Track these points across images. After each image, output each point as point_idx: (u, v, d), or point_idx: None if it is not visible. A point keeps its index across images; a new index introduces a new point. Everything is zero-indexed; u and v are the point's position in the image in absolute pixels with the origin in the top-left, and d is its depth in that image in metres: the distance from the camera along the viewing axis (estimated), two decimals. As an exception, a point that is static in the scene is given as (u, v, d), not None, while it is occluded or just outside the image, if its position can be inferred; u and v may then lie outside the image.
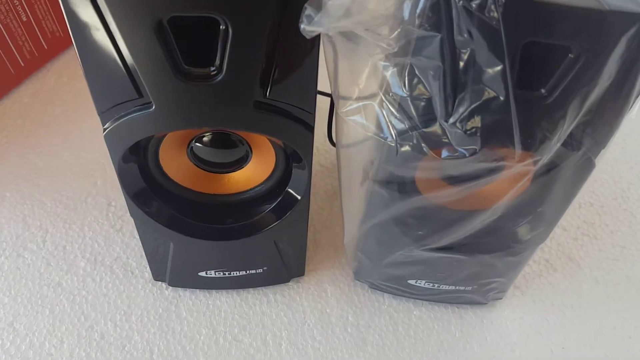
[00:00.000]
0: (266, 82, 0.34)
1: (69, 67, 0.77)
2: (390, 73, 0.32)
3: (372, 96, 0.34)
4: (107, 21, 0.29)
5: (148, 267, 0.53)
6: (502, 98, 0.29)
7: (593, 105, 0.31)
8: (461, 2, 0.26)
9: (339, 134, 0.39)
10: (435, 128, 0.32)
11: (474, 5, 0.26)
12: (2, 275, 0.55)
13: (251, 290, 0.55)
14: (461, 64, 0.29)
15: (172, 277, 0.53)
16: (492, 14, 0.26)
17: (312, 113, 0.37)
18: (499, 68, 0.28)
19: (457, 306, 0.55)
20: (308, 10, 0.28)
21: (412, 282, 0.51)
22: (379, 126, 0.34)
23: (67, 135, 0.68)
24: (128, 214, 0.45)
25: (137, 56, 0.31)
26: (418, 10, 0.28)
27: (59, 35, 0.76)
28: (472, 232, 0.41)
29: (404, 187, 0.39)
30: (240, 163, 0.44)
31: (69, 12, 0.29)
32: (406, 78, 0.32)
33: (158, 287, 0.55)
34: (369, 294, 0.56)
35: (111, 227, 0.59)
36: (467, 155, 0.32)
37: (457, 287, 0.50)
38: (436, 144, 0.33)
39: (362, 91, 0.34)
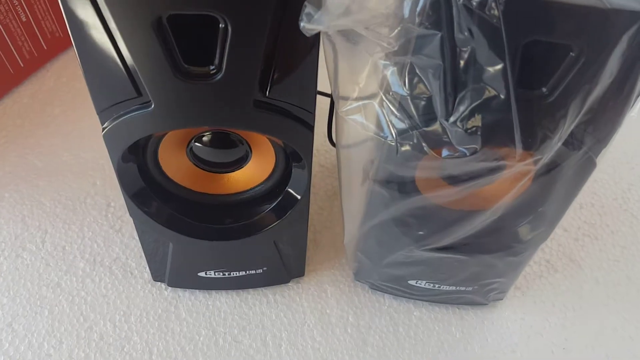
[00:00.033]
0: (266, 81, 0.33)
1: (68, 68, 0.77)
2: (390, 72, 0.32)
3: (372, 95, 0.34)
4: (106, 19, 0.29)
5: (147, 268, 0.53)
6: (502, 97, 0.29)
7: (594, 104, 0.31)
8: (461, 0, 0.26)
9: (339, 133, 0.39)
10: (436, 127, 0.32)
11: (474, 3, 0.26)
12: (1, 275, 0.55)
13: (251, 290, 0.55)
14: (462, 62, 0.29)
15: (172, 278, 0.52)
16: (492, 12, 0.26)
17: (312, 112, 0.37)
18: (499, 67, 0.28)
19: (458, 307, 0.55)
20: (308, 8, 0.28)
21: (412, 282, 0.51)
22: (379, 125, 0.34)
23: (66, 136, 0.68)
24: (127, 214, 0.45)
25: (136, 54, 0.31)
26: (418, 9, 0.28)
27: (59, 35, 0.76)
28: (472, 232, 0.41)
29: (404, 186, 0.39)
30: (240, 163, 0.44)
31: (68, 10, 0.29)
32: (406, 77, 0.31)
33: (157, 287, 0.55)
34: (369, 295, 0.55)
35: (110, 227, 0.59)
36: (467, 154, 0.32)
37: (458, 288, 0.50)
38: (436, 143, 0.33)
39: (362, 90, 0.34)
